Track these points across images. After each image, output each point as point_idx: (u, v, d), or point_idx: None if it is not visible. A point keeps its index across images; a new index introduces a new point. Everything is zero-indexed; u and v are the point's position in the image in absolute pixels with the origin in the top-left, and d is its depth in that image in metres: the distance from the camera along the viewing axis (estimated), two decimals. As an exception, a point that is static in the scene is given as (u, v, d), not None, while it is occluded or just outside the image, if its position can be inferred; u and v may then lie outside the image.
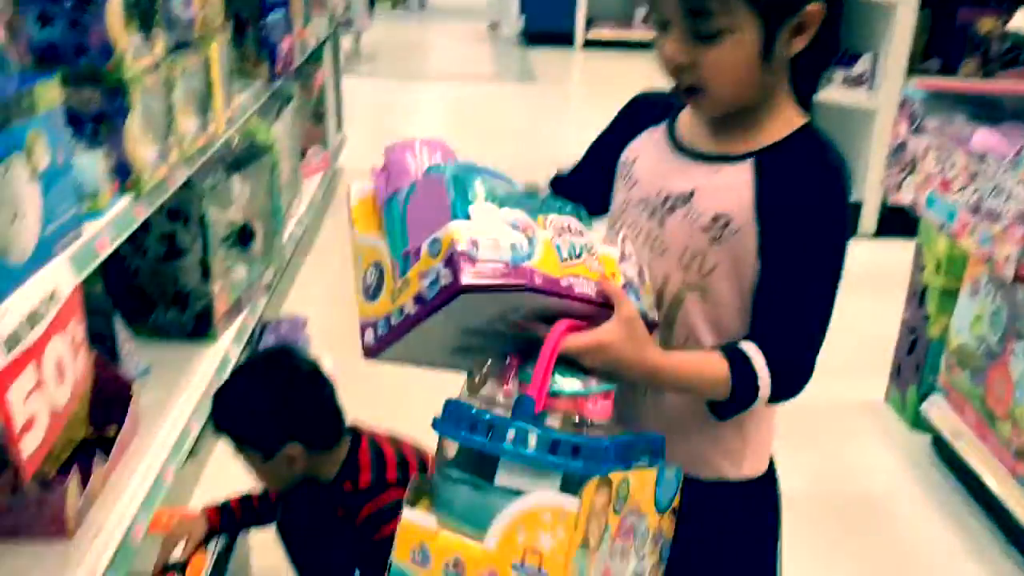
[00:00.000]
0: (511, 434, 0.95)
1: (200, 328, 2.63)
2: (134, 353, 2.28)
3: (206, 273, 2.57)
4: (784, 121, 1.15)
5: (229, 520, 1.92)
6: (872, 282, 3.96)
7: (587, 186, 1.28)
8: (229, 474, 2.39)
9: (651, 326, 1.11)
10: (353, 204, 1.15)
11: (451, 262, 0.94)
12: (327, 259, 3.99)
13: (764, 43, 1.07)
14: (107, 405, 2.05)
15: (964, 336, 2.46)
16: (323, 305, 3.45)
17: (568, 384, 1.01)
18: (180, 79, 2.05)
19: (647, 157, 1.23)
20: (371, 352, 1.09)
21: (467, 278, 0.94)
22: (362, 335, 1.09)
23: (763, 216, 1.10)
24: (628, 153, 1.26)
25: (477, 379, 1.04)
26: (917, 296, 2.79)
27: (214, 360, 2.56)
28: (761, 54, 1.08)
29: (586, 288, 1.03)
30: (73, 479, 1.75)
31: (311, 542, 1.82)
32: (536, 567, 0.91)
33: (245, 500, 1.96)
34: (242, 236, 2.80)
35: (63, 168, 1.49)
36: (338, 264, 4.11)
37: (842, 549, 2.31)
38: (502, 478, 0.95)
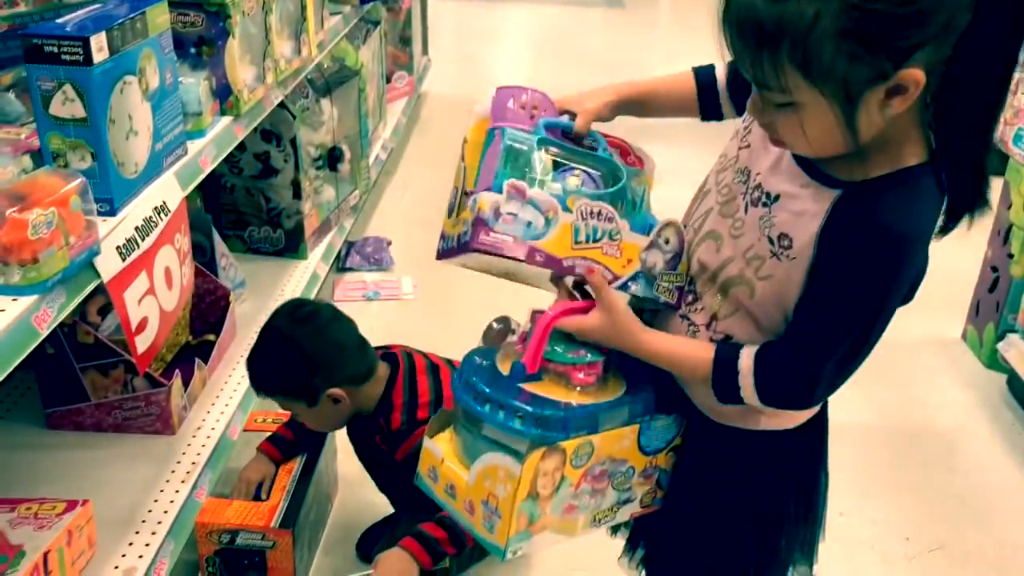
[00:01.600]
0: (488, 407, 1.17)
1: (291, 245, 2.76)
2: (231, 267, 2.41)
3: (297, 193, 2.69)
4: (896, 156, 1.04)
5: (289, 448, 1.98)
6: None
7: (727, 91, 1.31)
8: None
9: (669, 306, 1.22)
10: (472, 124, 1.28)
11: (475, 224, 1.11)
12: (411, 182, 4.08)
13: (845, 114, 0.97)
14: (206, 314, 2.20)
15: (1047, 276, 2.44)
16: (406, 226, 3.55)
17: (563, 352, 1.19)
18: (276, 3, 2.13)
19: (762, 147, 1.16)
20: (438, 257, 1.26)
21: (477, 242, 1.11)
22: (439, 240, 1.26)
23: (819, 251, 1.06)
24: None
25: (490, 336, 1.27)
26: (1002, 234, 2.75)
27: (304, 275, 2.69)
28: (846, 122, 0.98)
29: (581, 270, 1.15)
30: (176, 380, 1.90)
31: (369, 465, 1.93)
32: (494, 508, 1.16)
33: (293, 425, 1.99)
34: (331, 158, 2.91)
35: (171, 89, 1.60)
36: (421, 187, 4.22)
37: (907, 480, 2.35)
38: (486, 431, 1.19)
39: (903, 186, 1.03)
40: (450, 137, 5.37)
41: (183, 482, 1.78)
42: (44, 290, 1.18)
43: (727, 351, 1.16)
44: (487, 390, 1.18)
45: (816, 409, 1.26)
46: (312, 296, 2.67)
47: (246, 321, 2.31)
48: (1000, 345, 2.63)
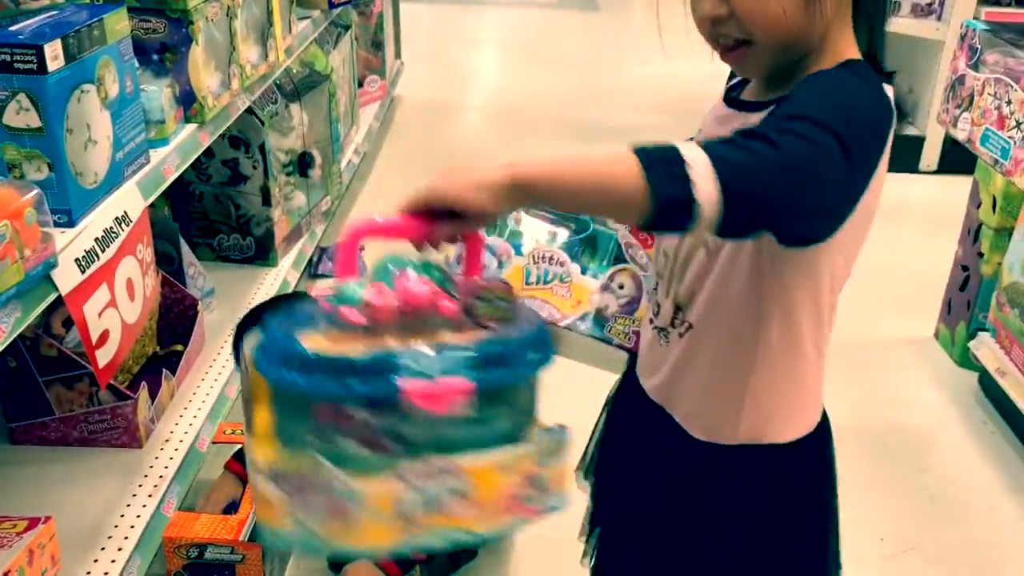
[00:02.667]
0: None
1: (261, 252, 2.73)
2: (199, 275, 2.38)
3: (267, 199, 2.66)
4: (832, 60, 1.04)
5: None
6: (929, 219, 3.91)
7: None
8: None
9: (624, 349, 1.22)
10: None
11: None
12: (384, 186, 4.06)
13: None
14: (174, 324, 2.17)
15: (1016, 275, 2.45)
16: (379, 232, 3.53)
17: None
18: (241, 8, 2.11)
19: (711, 112, 1.19)
20: None
21: None
22: None
23: None
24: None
25: None
26: (972, 233, 2.77)
27: (274, 283, 2.66)
28: None
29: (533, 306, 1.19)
30: (143, 392, 1.87)
31: None
32: None
33: None
34: (301, 164, 2.88)
35: (132, 96, 1.57)
36: (395, 192, 4.14)
37: (880, 480, 2.35)
38: None
39: (844, 67, 1.03)
40: (424, 141, 5.38)
41: (150, 496, 1.75)
42: (-2, 305, 1.16)
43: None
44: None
45: (818, 417, 1.19)
46: (283, 304, 2.64)
47: (215, 330, 2.28)
48: (971, 344, 2.64)
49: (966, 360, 2.75)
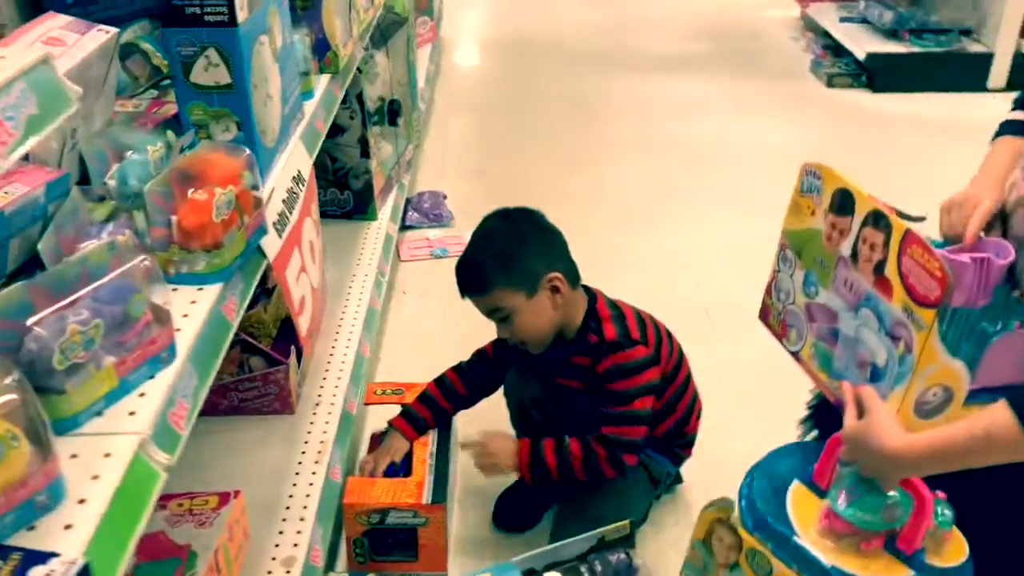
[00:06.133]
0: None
1: (360, 206, 2.65)
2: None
3: (365, 151, 2.57)
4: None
5: (422, 425, 1.83)
6: (987, 137, 3.80)
7: None
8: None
9: None
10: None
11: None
12: (447, 132, 3.96)
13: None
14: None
15: None
16: (454, 179, 3.44)
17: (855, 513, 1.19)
18: (352, -50, 2.00)
19: None
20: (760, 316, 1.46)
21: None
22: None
23: None
24: None
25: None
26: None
27: (378, 237, 2.59)
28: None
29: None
30: (292, 356, 1.81)
31: (557, 401, 1.82)
32: None
33: (426, 400, 1.86)
34: (390, 112, 2.79)
35: (290, 48, 1.48)
36: (458, 136, 4.09)
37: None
38: None
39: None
40: (472, 82, 5.24)
41: (316, 463, 1.70)
42: (228, 277, 1.09)
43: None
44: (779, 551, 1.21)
45: None
46: (387, 258, 2.57)
47: (333, 290, 2.22)
48: None
49: None
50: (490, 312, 1.71)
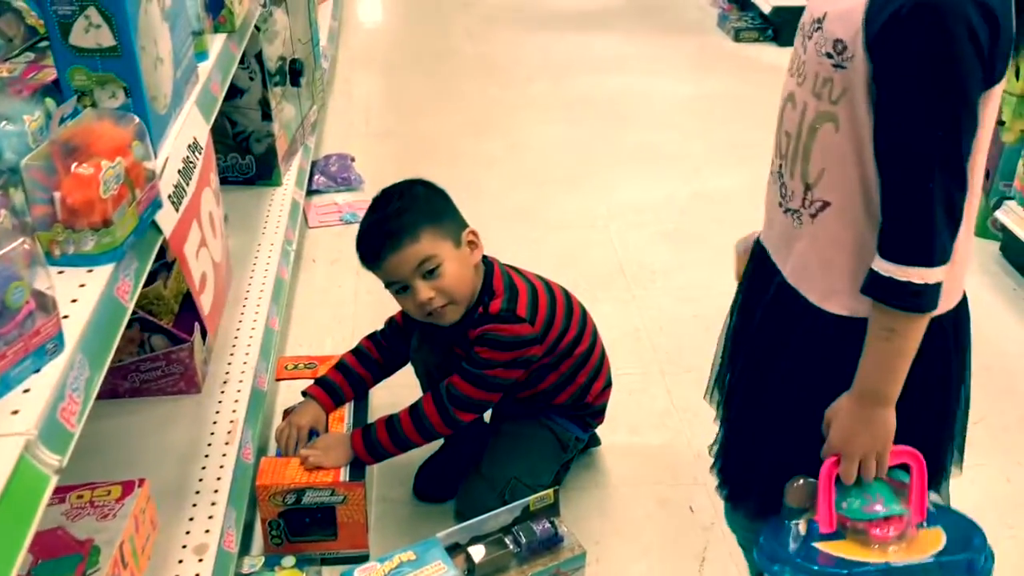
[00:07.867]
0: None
1: (263, 171, 2.55)
2: (213, 201, 2.20)
3: (266, 113, 2.46)
4: None
5: (338, 394, 1.79)
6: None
7: None
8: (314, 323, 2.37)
9: None
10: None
11: None
12: (352, 91, 3.84)
13: None
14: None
15: (1043, 140, 2.43)
16: (363, 140, 3.34)
17: (859, 508, 1.18)
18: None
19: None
20: None
21: None
22: None
23: (870, 45, 1.05)
24: None
25: (794, 495, 1.23)
26: (984, 101, 2.73)
27: (284, 203, 2.49)
28: None
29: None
30: (196, 332, 1.72)
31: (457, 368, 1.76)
32: None
33: (342, 369, 1.81)
34: (292, 72, 2.67)
35: (181, 5, 1.38)
36: (363, 96, 3.97)
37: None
38: None
39: None
40: (378, 39, 5.10)
41: (227, 443, 1.63)
42: (120, 256, 1.01)
43: (865, 286, 1.11)
44: (783, 552, 1.18)
45: (958, 297, 1.22)
46: (295, 225, 2.48)
47: (238, 261, 2.12)
48: (997, 212, 2.64)
49: (985, 230, 2.75)
50: (416, 267, 1.59)
